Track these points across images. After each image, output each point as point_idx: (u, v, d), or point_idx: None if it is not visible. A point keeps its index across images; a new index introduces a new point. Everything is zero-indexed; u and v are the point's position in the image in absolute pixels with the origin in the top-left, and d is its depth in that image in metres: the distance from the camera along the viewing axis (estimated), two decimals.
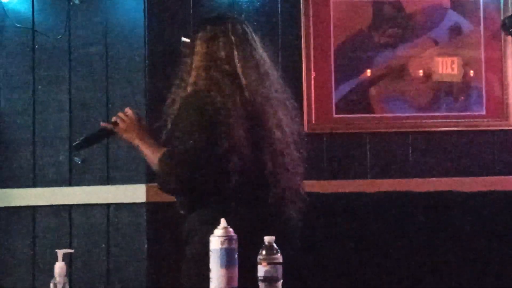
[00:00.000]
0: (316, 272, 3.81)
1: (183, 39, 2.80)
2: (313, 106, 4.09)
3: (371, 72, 4.14)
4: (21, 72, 4.03)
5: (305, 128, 4.08)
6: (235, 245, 2.10)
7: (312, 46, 4.10)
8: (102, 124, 2.87)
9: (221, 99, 2.57)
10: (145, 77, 4.00)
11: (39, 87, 4.00)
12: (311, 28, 4.11)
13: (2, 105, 4.02)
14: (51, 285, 2.05)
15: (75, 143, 2.94)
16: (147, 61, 4.02)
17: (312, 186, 4.00)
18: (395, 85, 4.15)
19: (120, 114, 2.80)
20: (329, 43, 4.12)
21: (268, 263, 2.15)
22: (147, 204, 3.85)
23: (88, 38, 4.03)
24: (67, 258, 2.12)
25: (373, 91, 4.15)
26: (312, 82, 4.10)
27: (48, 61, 4.02)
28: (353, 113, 4.13)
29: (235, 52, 2.66)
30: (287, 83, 3.91)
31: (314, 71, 4.10)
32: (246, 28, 2.76)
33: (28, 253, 3.94)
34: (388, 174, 4.08)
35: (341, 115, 4.12)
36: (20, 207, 3.89)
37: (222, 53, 2.65)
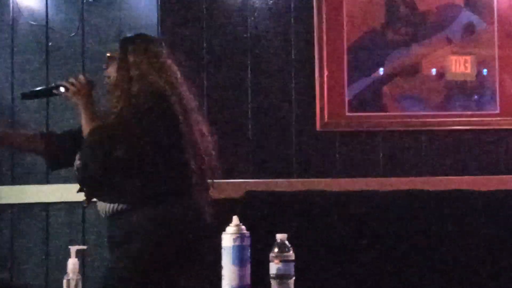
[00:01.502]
0: (328, 270, 3.80)
1: (108, 54, 3.07)
2: (325, 104, 4.09)
3: (384, 71, 4.14)
4: (35, 69, 4.05)
5: (318, 126, 4.09)
6: (247, 243, 2.10)
7: (325, 44, 4.10)
8: (59, 82, 3.03)
9: (174, 100, 2.90)
10: None
11: (53, 84, 4.01)
12: (324, 26, 4.10)
13: (16, 102, 4.03)
14: (64, 281, 2.06)
15: (23, 92, 3.18)
16: None
17: (325, 184, 4.01)
18: (408, 84, 4.14)
19: (73, 78, 3.00)
20: (342, 41, 4.12)
21: (281, 261, 2.15)
22: None
23: (102, 35, 4.04)
24: (80, 255, 2.13)
25: (386, 89, 4.14)
26: (325, 80, 4.09)
27: (62, 58, 4.03)
28: (366, 111, 4.12)
29: (166, 62, 3.02)
30: (300, 81, 3.93)
31: (327, 69, 4.10)
32: (165, 46, 3.10)
33: (42, 250, 3.96)
34: (400, 172, 4.07)
35: (354, 113, 4.11)
36: (33, 203, 3.91)
37: (158, 62, 2.99)
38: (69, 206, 3.95)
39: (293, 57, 4.11)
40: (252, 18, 4.10)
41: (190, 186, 2.92)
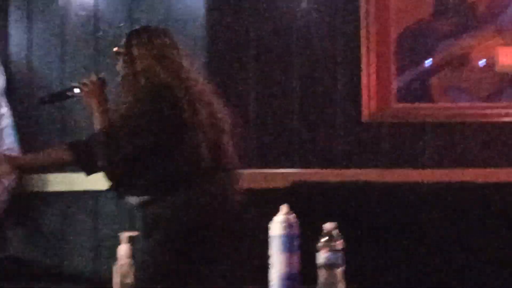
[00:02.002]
0: (375, 260, 3.80)
1: (115, 49, 3.10)
2: (373, 95, 4.07)
3: (433, 61, 4.10)
4: (84, 60, 4.09)
5: (364, 117, 4.07)
6: (296, 231, 2.11)
7: (372, 35, 4.08)
8: (72, 84, 3.09)
9: (178, 90, 2.92)
10: (205, 65, 4.04)
11: (102, 74, 4.06)
12: (372, 17, 4.08)
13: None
14: (116, 267, 2.08)
15: (41, 97, 3.26)
16: (207, 49, 4.05)
17: (371, 175, 4.00)
18: (456, 75, 4.11)
19: (85, 79, 3.04)
20: (390, 32, 4.09)
21: (329, 250, 2.15)
22: None
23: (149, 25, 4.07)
24: (130, 241, 2.16)
25: (434, 80, 4.11)
26: (372, 71, 4.07)
27: (111, 49, 4.05)
28: (413, 102, 4.10)
29: (171, 52, 3.03)
30: (346, 71, 3.92)
31: (374, 60, 4.08)
32: (170, 35, 3.11)
33: (91, 236, 4.01)
34: (447, 164, 4.04)
35: (401, 104, 4.09)
36: (83, 191, 3.96)
37: (162, 53, 3.01)
38: None
39: (339, 47, 4.10)
40: (298, 8, 4.10)
41: (203, 173, 2.94)
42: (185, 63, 3.03)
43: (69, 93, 3.07)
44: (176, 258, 2.86)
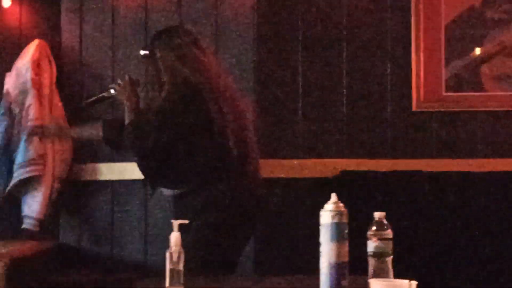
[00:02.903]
0: (423, 249, 3.78)
1: (142, 52, 3.28)
2: (422, 84, 4.04)
3: (483, 50, 4.06)
4: (134, 50, 4.13)
5: (414, 106, 4.05)
6: (345, 220, 2.10)
7: (422, 23, 4.05)
8: (109, 86, 3.28)
9: (202, 86, 3.01)
10: (254, 55, 4.05)
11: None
12: (421, 5, 4.05)
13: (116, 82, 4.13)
14: (167, 254, 2.11)
15: (86, 102, 3.45)
16: (256, 40, 4.06)
17: (420, 164, 3.98)
18: (507, 63, 4.05)
19: (119, 80, 3.22)
20: (440, 20, 4.05)
21: (379, 239, 2.15)
22: None
23: (199, 17, 4.09)
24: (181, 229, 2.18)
25: (485, 69, 4.06)
26: (422, 59, 4.04)
27: None
28: (463, 91, 4.06)
29: (192, 50, 3.12)
30: (395, 60, 3.90)
31: (423, 49, 4.05)
32: (191, 34, 3.25)
33: (140, 224, 4.05)
34: (498, 153, 4.00)
35: (450, 93, 4.05)
36: (133, 180, 4.00)
37: (183, 52, 3.10)
38: None
39: (389, 35, 4.07)
40: None
41: (233, 165, 3.02)
42: (207, 59, 3.13)
43: (106, 95, 3.27)
44: (215, 248, 2.94)
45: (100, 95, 3.34)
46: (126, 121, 3.11)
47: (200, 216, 2.96)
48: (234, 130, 3.02)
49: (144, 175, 3.13)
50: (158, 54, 3.11)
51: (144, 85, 3.22)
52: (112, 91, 3.23)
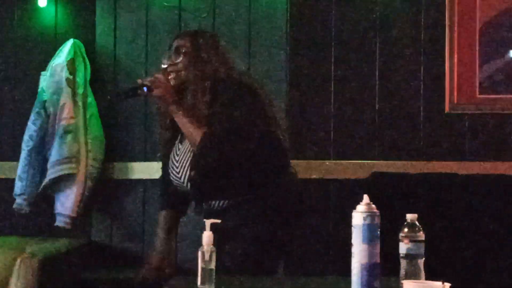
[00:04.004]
0: (456, 252, 3.76)
1: (177, 46, 2.97)
2: (455, 85, 4.02)
3: None
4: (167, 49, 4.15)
5: (447, 108, 4.02)
6: (377, 221, 2.10)
7: (456, 25, 4.02)
8: (139, 81, 2.89)
9: (259, 90, 2.90)
10: (287, 55, 4.06)
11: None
12: (456, 6, 4.02)
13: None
14: (199, 253, 2.12)
15: (119, 92, 3.30)
16: (288, 39, 4.06)
17: (452, 167, 3.95)
18: None
19: (155, 78, 2.85)
20: (474, 22, 4.02)
21: (410, 241, 2.15)
22: None
23: (232, 17, 4.11)
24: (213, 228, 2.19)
25: None
26: (456, 61, 4.02)
27: None
28: (497, 93, 4.02)
29: (230, 56, 3.02)
30: (429, 62, 3.88)
31: (457, 50, 4.02)
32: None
33: None
34: None
35: (485, 96, 4.02)
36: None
37: (226, 57, 2.98)
38: None
39: (423, 37, 4.05)
40: None
41: (287, 172, 2.95)
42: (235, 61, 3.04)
43: (139, 91, 2.88)
44: (269, 251, 2.87)
45: (131, 87, 3.00)
46: (191, 133, 2.81)
47: (257, 222, 2.84)
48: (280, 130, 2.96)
49: (200, 189, 2.88)
50: (205, 56, 2.91)
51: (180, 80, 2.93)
52: (145, 88, 2.85)
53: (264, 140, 2.86)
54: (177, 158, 2.94)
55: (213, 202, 2.87)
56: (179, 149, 2.95)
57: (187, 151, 2.91)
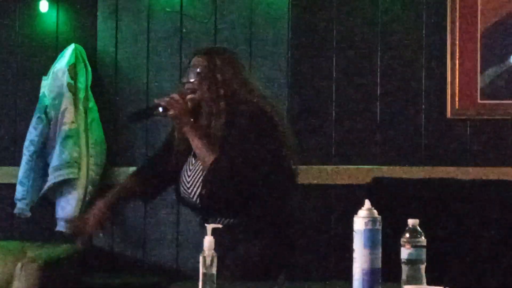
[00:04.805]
0: (457, 258, 3.75)
1: (197, 70, 2.90)
2: (457, 91, 4.01)
3: None
4: (169, 55, 4.16)
5: (448, 114, 4.02)
6: (379, 227, 2.10)
7: (457, 30, 4.02)
8: (156, 101, 2.91)
9: (277, 120, 2.91)
10: (288, 59, 4.06)
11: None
12: (457, 12, 4.02)
13: (150, 86, 4.16)
14: (200, 258, 2.12)
15: (130, 115, 3.31)
16: (290, 44, 4.07)
17: (454, 172, 3.95)
18: None
19: (171, 98, 2.85)
20: (476, 27, 4.02)
21: (412, 246, 2.14)
22: None
23: (234, 21, 4.11)
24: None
25: None
26: (457, 66, 4.02)
27: (195, 44, 4.12)
28: (499, 99, 4.02)
29: (250, 75, 3.06)
30: (431, 67, 3.88)
31: (459, 55, 4.02)
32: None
33: (174, 229, 4.07)
34: None
35: (486, 101, 4.02)
36: None
37: (245, 78, 2.95)
38: None
39: (424, 42, 4.05)
40: (383, 3, 4.07)
41: (295, 187, 3.01)
42: (256, 83, 3.01)
43: (155, 112, 2.90)
44: (270, 268, 2.88)
45: (145, 108, 3.07)
46: (204, 155, 2.82)
47: (260, 239, 2.87)
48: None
49: (208, 207, 2.88)
50: (219, 76, 2.86)
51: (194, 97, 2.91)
52: (160, 108, 2.85)
53: (276, 170, 2.87)
54: (189, 174, 2.93)
55: (219, 219, 2.87)
56: (192, 164, 2.94)
57: (200, 167, 2.90)
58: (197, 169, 2.90)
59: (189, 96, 2.89)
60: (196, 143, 2.83)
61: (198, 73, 2.90)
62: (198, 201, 2.88)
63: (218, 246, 2.15)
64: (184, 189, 2.93)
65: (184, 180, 2.94)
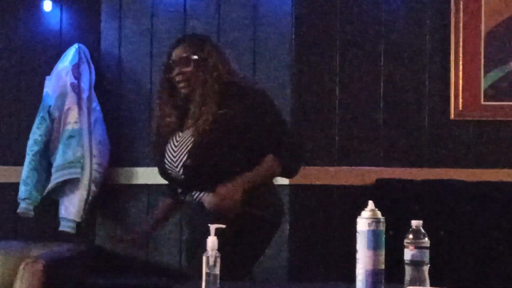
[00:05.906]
0: (460, 259, 3.75)
1: (195, 57, 3.00)
2: (460, 92, 4.01)
3: None
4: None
5: (452, 115, 4.02)
6: (382, 227, 2.10)
7: (461, 32, 4.02)
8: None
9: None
10: (291, 60, 4.06)
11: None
12: (461, 13, 4.02)
13: (153, 86, 4.16)
14: (204, 258, 2.12)
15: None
16: (293, 44, 4.06)
17: (457, 174, 3.95)
18: None
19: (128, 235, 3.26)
20: (479, 29, 4.02)
21: (415, 247, 2.14)
22: (290, 186, 3.90)
23: (237, 22, 4.10)
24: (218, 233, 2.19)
25: None
26: (460, 68, 4.02)
27: None
28: (502, 100, 4.02)
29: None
30: (434, 69, 3.87)
31: (462, 57, 4.02)
32: None
33: (177, 229, 4.07)
34: None
35: (489, 103, 4.02)
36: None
37: (228, 63, 3.06)
38: None
39: (427, 44, 4.05)
40: (386, 4, 4.07)
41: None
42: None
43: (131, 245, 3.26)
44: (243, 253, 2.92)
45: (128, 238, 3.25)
46: (268, 176, 2.98)
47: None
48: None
49: (192, 177, 2.94)
50: (210, 61, 2.99)
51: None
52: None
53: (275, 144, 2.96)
54: (176, 144, 3.00)
55: (199, 193, 2.94)
56: (179, 136, 3.01)
57: (187, 139, 2.97)
58: (184, 141, 2.97)
59: (182, 85, 3.00)
60: (256, 180, 2.93)
61: (193, 60, 2.99)
62: (181, 171, 2.94)
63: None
64: (169, 160, 2.99)
65: (170, 151, 3.00)
